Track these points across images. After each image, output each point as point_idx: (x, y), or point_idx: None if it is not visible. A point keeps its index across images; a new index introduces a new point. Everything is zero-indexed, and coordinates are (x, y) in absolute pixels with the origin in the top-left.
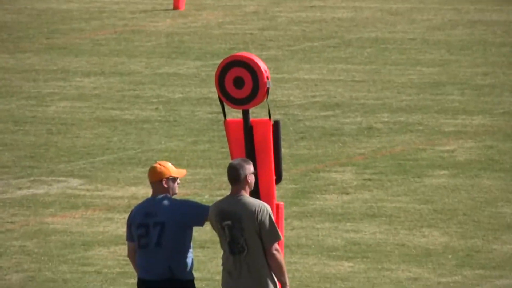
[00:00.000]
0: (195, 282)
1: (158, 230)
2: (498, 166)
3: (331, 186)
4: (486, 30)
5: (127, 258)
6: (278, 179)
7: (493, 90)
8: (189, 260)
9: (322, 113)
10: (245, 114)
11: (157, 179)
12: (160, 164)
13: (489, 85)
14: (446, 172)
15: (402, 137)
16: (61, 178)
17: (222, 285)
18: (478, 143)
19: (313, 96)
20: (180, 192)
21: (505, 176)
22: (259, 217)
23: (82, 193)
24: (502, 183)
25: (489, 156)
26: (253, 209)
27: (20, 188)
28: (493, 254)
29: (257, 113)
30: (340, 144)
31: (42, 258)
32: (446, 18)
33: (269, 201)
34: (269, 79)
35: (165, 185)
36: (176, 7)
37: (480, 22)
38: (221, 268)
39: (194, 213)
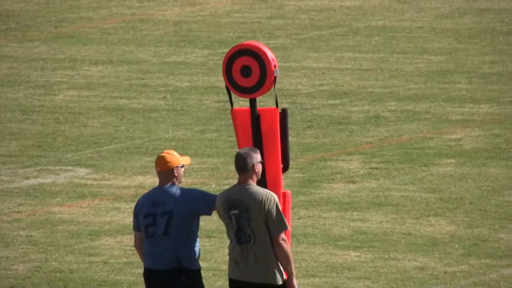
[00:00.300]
0: (202, 271)
1: (166, 219)
2: (505, 155)
3: (338, 175)
4: (494, 18)
5: (134, 248)
6: (285, 167)
7: (501, 78)
8: (196, 250)
9: (330, 102)
10: (252, 102)
11: (168, 168)
12: (168, 153)
13: (496, 73)
14: (453, 160)
15: (409, 126)
16: (68, 168)
17: (229, 274)
18: (485, 131)
19: (321, 85)
20: (187, 181)
21: (511, 165)
22: (266, 207)
23: (89, 182)
24: (509, 172)
25: (496, 144)
26: (260, 198)
27: (27, 178)
28: (499, 243)
29: (264, 102)
30: (347, 133)
31: (49, 248)
32: (454, 6)
33: (275, 189)
34: (277, 68)
35: (176, 174)
36: None
37: (488, 10)
38: (227, 257)
39: (202, 202)
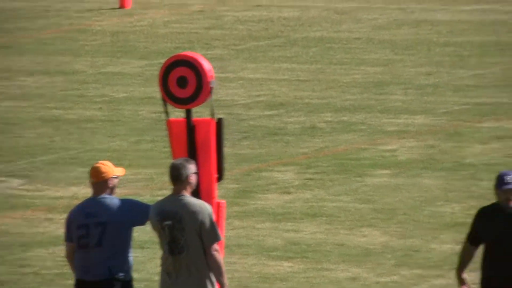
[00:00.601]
0: (134, 282)
1: (100, 230)
2: (439, 166)
3: (273, 186)
4: (431, 29)
5: (66, 259)
6: (220, 178)
7: (436, 89)
8: (129, 261)
9: (266, 113)
10: (188, 113)
11: (102, 179)
12: (102, 164)
13: (432, 84)
14: (387, 171)
15: (345, 137)
16: (1, 178)
17: (161, 286)
18: (420, 142)
19: (258, 96)
20: (121, 192)
21: (445, 175)
22: (200, 218)
23: (22, 193)
24: (442, 182)
25: (431, 155)
26: (194, 209)
27: None
28: (431, 253)
29: (201, 113)
30: (283, 144)
31: None
32: (391, 18)
33: (209, 200)
34: (213, 79)
35: (110, 185)
36: (122, 5)
37: (425, 21)
38: (160, 269)
39: (136, 212)
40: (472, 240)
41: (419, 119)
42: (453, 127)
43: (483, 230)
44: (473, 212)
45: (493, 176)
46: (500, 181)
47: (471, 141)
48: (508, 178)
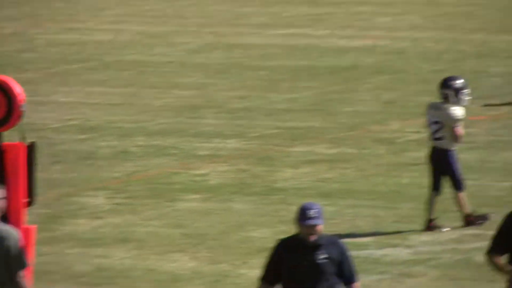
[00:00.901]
0: None
1: None
2: (250, 190)
3: (83, 211)
4: (243, 53)
5: None
6: (31, 203)
7: (248, 113)
8: None
9: (78, 137)
10: None
11: None
12: None
13: (244, 108)
14: (198, 196)
15: (157, 161)
16: None
17: None
18: (231, 166)
19: (69, 120)
20: None
21: (256, 200)
22: (7, 244)
23: None
24: (252, 207)
25: (242, 179)
26: (1, 235)
27: None
28: (240, 278)
29: (11, 137)
30: (95, 168)
31: None
32: (203, 42)
33: (18, 225)
34: (24, 102)
35: None
36: None
37: (237, 45)
38: None
39: None
40: (269, 278)
41: (231, 143)
42: (264, 151)
43: (283, 262)
44: (283, 236)
45: (303, 201)
46: (303, 215)
47: (282, 165)
48: (311, 213)
